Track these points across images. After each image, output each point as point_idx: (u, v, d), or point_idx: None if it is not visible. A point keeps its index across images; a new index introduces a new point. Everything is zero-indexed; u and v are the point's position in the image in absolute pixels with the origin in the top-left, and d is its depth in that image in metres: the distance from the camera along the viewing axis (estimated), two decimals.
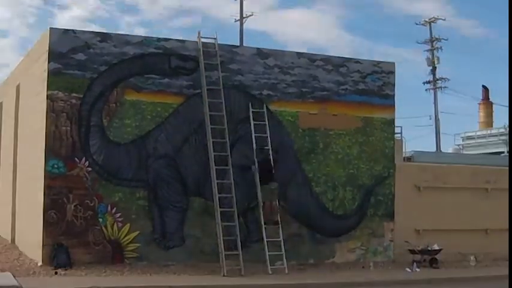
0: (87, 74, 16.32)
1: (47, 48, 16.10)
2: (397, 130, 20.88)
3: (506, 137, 42.30)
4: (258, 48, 18.39)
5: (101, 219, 16.24)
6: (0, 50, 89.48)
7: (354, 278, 16.45)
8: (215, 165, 16.76)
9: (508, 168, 19.20)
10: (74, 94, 16.19)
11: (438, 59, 49.33)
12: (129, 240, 16.46)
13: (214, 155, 16.81)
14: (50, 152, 15.93)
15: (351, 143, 19.01)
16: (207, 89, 17.10)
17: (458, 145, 48.91)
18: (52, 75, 16.04)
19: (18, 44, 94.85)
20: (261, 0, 79.90)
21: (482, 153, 39.42)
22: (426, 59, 49.82)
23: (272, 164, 17.41)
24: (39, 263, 15.66)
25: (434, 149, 45.14)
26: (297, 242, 17.93)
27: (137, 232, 16.52)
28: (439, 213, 20.04)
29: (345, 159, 18.89)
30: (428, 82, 49.65)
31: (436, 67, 49.51)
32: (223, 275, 15.66)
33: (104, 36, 16.69)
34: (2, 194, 21.76)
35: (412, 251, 18.78)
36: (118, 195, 16.45)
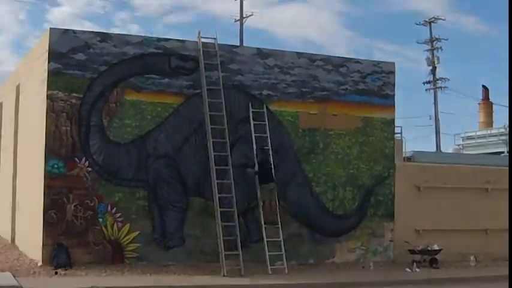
0: (87, 74, 16.32)
1: (47, 48, 16.10)
2: (397, 130, 20.86)
3: (506, 137, 42.34)
4: (258, 48, 18.39)
5: (101, 219, 16.24)
6: None
7: (354, 278, 16.46)
8: (215, 165, 16.76)
9: (508, 168, 19.21)
10: (74, 94, 16.19)
11: (438, 59, 49.37)
12: (129, 240, 16.46)
13: (214, 155, 16.82)
14: (50, 152, 15.93)
15: (351, 143, 19.01)
16: (207, 89, 17.10)
17: (458, 145, 48.96)
18: (52, 75, 16.04)
19: (8, 40, 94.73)
20: None
21: (482, 153, 39.44)
22: (426, 59, 49.89)
23: (272, 165, 17.39)
24: (39, 263, 15.66)
25: (434, 149, 45.17)
26: (297, 242, 17.93)
27: (137, 232, 16.52)
28: (439, 213, 20.03)
29: (345, 159, 18.89)
30: (428, 82, 49.71)
31: (436, 67, 49.54)
32: (223, 275, 15.66)
33: (104, 36, 16.69)
34: (2, 194, 21.76)
35: (412, 251, 18.78)
36: (118, 195, 16.45)
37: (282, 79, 18.28)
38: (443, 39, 49.26)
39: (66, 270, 15.20)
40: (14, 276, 14.23)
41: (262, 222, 16.98)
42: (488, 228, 20.79)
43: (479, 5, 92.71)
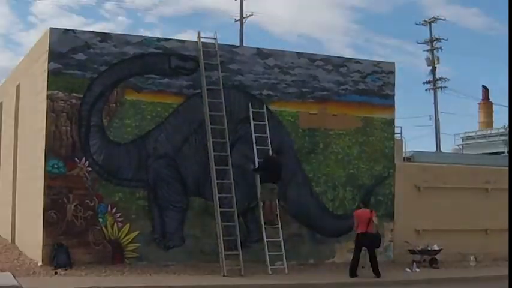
0: (87, 74, 16.32)
1: (47, 48, 16.10)
2: (397, 130, 20.88)
3: (506, 137, 42.31)
4: (258, 48, 18.39)
5: (101, 219, 16.24)
6: None
7: (353, 278, 16.43)
8: (215, 165, 16.76)
9: (508, 168, 19.22)
10: (74, 94, 16.19)
11: (438, 59, 49.37)
12: (129, 240, 16.46)
13: (214, 155, 16.81)
14: (50, 152, 15.93)
15: (351, 143, 19.01)
16: (207, 89, 17.10)
17: (458, 145, 48.99)
18: (52, 75, 16.04)
19: None
20: None
21: (482, 154, 39.44)
22: (426, 59, 49.89)
23: (281, 167, 17.33)
24: (39, 263, 15.66)
25: (434, 149, 45.18)
26: (297, 242, 17.94)
27: (137, 232, 16.52)
28: (439, 213, 20.02)
29: (345, 159, 18.89)
30: (428, 82, 49.71)
31: (436, 67, 49.55)
32: (223, 275, 15.66)
33: (104, 36, 16.69)
34: (2, 194, 21.77)
35: (412, 251, 18.78)
36: (118, 195, 16.45)
37: (282, 79, 18.29)
38: (443, 39, 49.30)
39: (66, 270, 15.20)
40: (14, 276, 14.22)
41: (262, 223, 16.98)
42: (488, 228, 20.78)
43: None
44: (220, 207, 16.48)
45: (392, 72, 19.72)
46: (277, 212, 17.28)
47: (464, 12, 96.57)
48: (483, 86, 56.15)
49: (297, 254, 17.80)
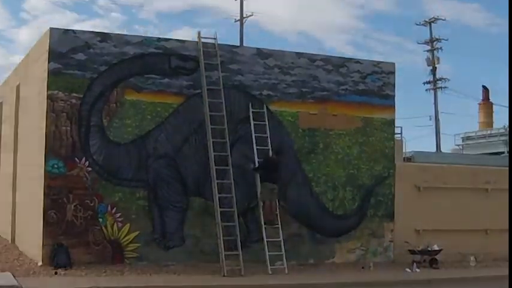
0: (87, 74, 16.32)
1: (47, 48, 16.10)
2: (397, 130, 20.89)
3: (506, 138, 42.34)
4: (258, 49, 18.40)
5: (101, 219, 16.24)
6: None
7: (353, 278, 16.46)
8: (215, 165, 16.76)
9: (508, 168, 19.21)
10: (74, 94, 16.19)
11: (438, 59, 49.39)
12: (129, 240, 16.46)
13: (214, 155, 16.82)
14: (50, 152, 15.93)
15: (351, 143, 19.01)
16: (207, 89, 17.10)
17: (458, 145, 49.00)
18: (52, 75, 16.04)
19: None
20: None
21: (482, 154, 39.45)
22: (426, 59, 49.91)
23: (280, 166, 17.34)
24: (39, 263, 15.66)
25: (434, 149, 45.19)
26: (297, 242, 17.93)
27: (137, 232, 16.52)
28: (439, 213, 20.02)
29: (345, 159, 18.89)
30: (428, 82, 49.72)
31: (436, 67, 49.56)
32: (223, 275, 15.66)
33: (104, 36, 16.70)
34: (2, 194, 21.76)
35: (412, 252, 18.77)
36: (118, 195, 16.45)
37: (282, 79, 18.29)
38: (443, 39, 49.33)
39: (66, 270, 15.20)
40: (14, 276, 14.22)
41: (262, 223, 16.98)
42: (488, 228, 20.79)
43: None
44: (220, 207, 16.48)
45: (393, 73, 19.72)
46: (277, 212, 17.28)
47: (464, 8, 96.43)
48: (483, 86, 56.22)
49: (297, 254, 17.80)
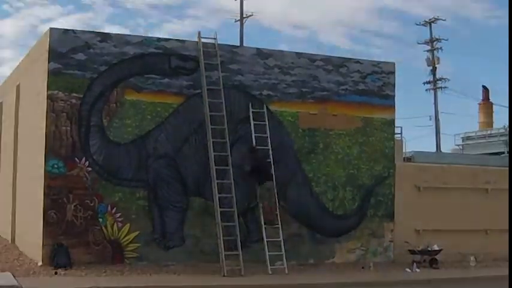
0: (87, 74, 16.33)
1: (47, 48, 16.11)
2: (397, 130, 20.88)
3: (506, 138, 42.32)
4: (258, 49, 18.40)
5: (101, 219, 16.25)
6: None
7: (353, 278, 16.46)
8: (215, 165, 16.76)
9: (508, 168, 19.22)
10: (74, 94, 16.19)
11: (438, 59, 49.37)
12: (129, 240, 16.46)
13: (214, 155, 16.82)
14: (50, 152, 15.93)
15: (351, 143, 19.01)
16: (207, 89, 17.10)
17: (458, 145, 48.97)
18: (52, 75, 16.05)
19: None
20: None
21: (482, 154, 39.43)
22: (426, 59, 49.89)
23: (270, 164, 17.34)
24: (39, 263, 15.66)
25: (434, 149, 45.16)
26: (297, 242, 17.93)
27: (137, 232, 16.52)
28: (439, 213, 20.03)
29: (345, 159, 18.90)
30: (428, 82, 49.71)
31: (436, 67, 49.55)
32: (223, 275, 15.66)
33: (104, 36, 16.70)
34: (2, 194, 21.76)
35: (412, 252, 18.78)
36: (118, 195, 16.45)
37: (282, 79, 18.29)
38: (443, 39, 49.32)
39: (66, 270, 15.20)
40: (14, 276, 14.23)
41: (262, 223, 16.98)
42: (488, 228, 20.79)
43: None
44: (220, 207, 16.48)
45: (392, 73, 19.72)
46: (277, 212, 17.29)
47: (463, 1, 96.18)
48: (483, 86, 56.20)
49: (297, 254, 17.80)
